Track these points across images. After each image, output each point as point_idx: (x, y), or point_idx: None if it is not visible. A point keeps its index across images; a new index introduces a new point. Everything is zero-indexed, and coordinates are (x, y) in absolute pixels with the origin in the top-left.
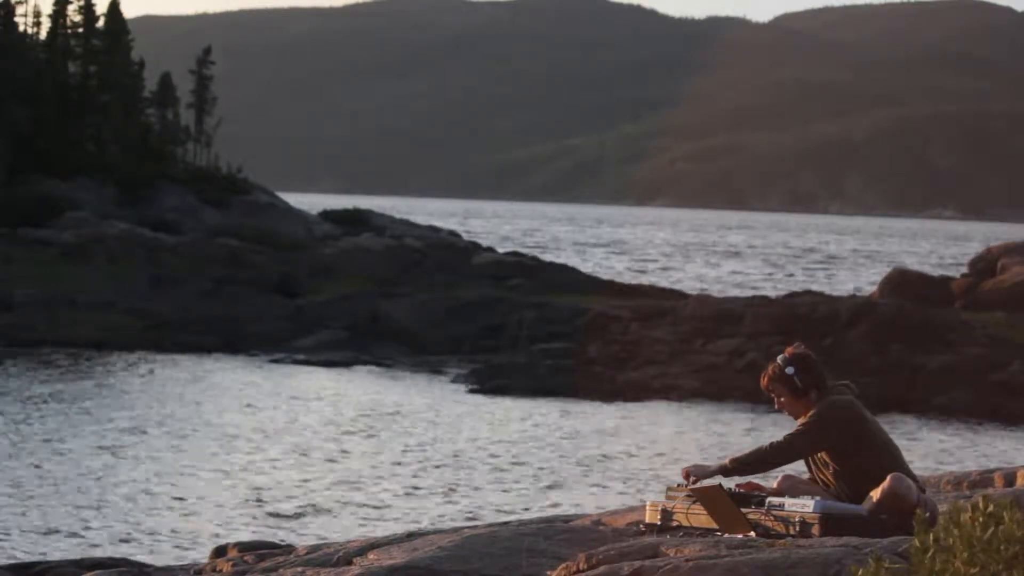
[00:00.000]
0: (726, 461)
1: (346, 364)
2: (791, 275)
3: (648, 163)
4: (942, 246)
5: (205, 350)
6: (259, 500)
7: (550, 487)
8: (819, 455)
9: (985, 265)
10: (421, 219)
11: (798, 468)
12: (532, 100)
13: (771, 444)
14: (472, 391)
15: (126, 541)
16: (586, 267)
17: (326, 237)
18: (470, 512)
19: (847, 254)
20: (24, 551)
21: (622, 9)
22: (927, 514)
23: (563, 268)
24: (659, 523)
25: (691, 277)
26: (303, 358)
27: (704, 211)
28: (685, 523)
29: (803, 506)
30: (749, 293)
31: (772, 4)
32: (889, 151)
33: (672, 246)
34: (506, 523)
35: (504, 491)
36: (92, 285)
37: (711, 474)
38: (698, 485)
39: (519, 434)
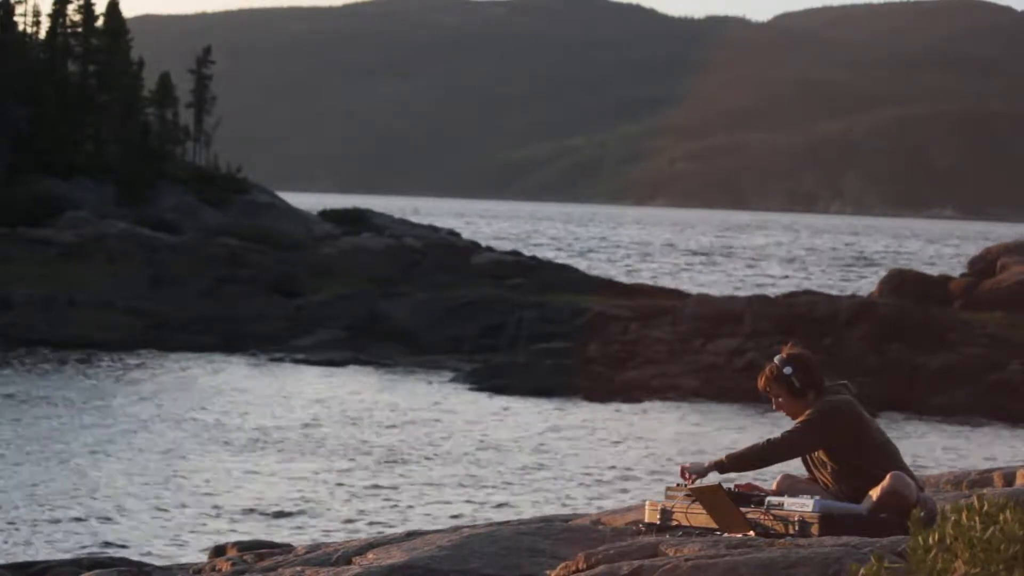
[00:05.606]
0: (722, 457)
1: (345, 364)
2: (791, 275)
3: (647, 163)
4: (942, 246)
5: (205, 350)
6: (258, 500)
7: (549, 486)
8: (817, 455)
9: (984, 265)
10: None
11: (797, 468)
12: (532, 100)
13: (768, 441)
14: (471, 391)
15: (126, 541)
16: (583, 266)
17: (326, 237)
18: (469, 511)
19: (847, 253)
20: (24, 551)
21: (622, 9)
22: (922, 513)
23: (563, 268)
24: (658, 523)
25: (691, 277)
26: (302, 358)
27: (704, 211)
28: (684, 523)
29: (802, 505)
30: (749, 293)
31: (771, 3)
32: (889, 151)
33: (672, 246)
34: (505, 523)
35: (503, 490)
36: (92, 285)
37: (707, 470)
38: (697, 485)
39: (518, 434)
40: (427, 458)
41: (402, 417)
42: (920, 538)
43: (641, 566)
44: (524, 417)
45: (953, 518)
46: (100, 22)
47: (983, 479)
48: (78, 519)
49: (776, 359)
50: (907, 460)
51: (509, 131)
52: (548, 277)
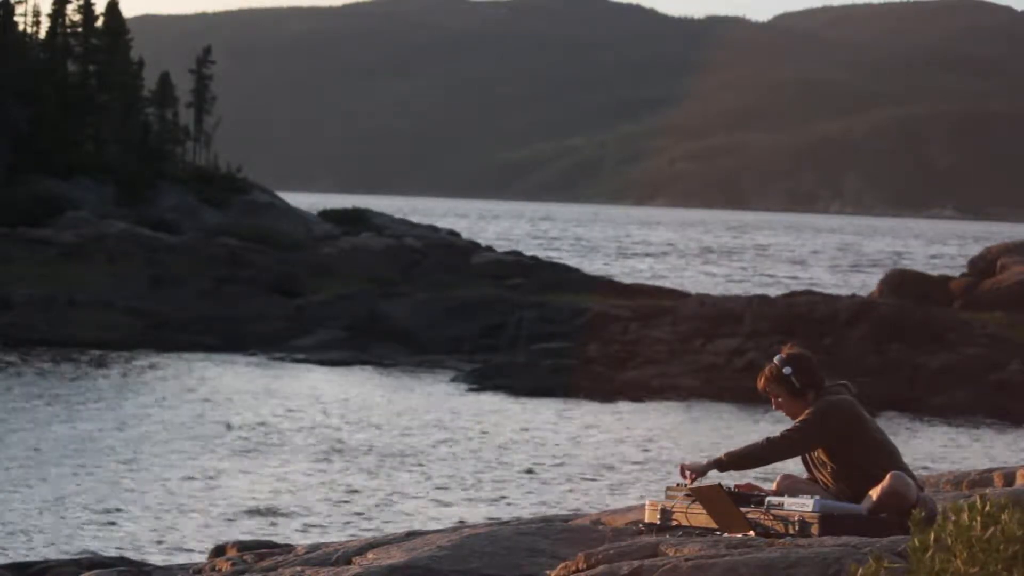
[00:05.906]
0: (722, 456)
1: (345, 364)
2: (791, 275)
3: (647, 163)
4: (942, 246)
5: (205, 350)
6: (258, 500)
7: (549, 487)
8: (817, 454)
9: (985, 265)
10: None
11: (797, 468)
12: (532, 100)
13: (768, 440)
14: (471, 391)
15: (126, 541)
16: (583, 266)
17: (326, 237)
18: (469, 512)
19: (847, 253)
20: (24, 551)
21: (622, 9)
22: (923, 513)
23: (563, 268)
24: (658, 522)
25: (691, 277)
26: (303, 358)
27: (704, 211)
28: (684, 523)
29: (802, 505)
30: (749, 293)
31: (771, 3)
32: (889, 151)
33: (672, 245)
34: (505, 523)
35: (503, 491)
36: (92, 285)
37: (706, 469)
38: (697, 485)
39: (518, 434)
40: (427, 458)
41: (402, 417)
42: (919, 538)
43: (641, 566)
44: (524, 417)
45: (953, 518)
46: (100, 22)
47: (983, 479)
48: (78, 519)
49: (776, 359)
50: (907, 460)
51: (509, 131)
52: (548, 277)
